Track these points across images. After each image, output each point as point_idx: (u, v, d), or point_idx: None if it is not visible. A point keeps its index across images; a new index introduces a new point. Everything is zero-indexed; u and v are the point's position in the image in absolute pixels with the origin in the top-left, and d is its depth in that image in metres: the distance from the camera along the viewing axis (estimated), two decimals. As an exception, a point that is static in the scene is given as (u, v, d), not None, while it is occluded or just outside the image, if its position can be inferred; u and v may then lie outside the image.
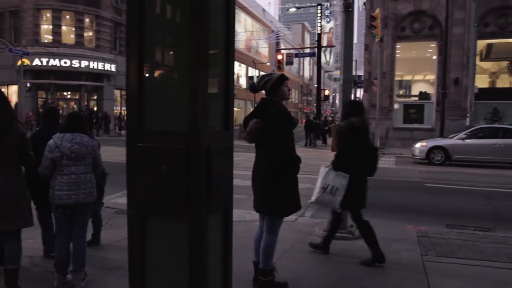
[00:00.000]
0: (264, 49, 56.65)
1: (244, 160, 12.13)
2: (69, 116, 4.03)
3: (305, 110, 70.12)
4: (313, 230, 5.86)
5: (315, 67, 43.22)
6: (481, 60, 22.93)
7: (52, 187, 3.77)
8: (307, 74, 79.54)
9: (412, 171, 13.57)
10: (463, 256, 4.88)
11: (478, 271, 4.45)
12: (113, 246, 5.05)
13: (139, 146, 2.21)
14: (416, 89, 25.19)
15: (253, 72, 49.91)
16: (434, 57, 22.80)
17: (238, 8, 46.28)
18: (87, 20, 31.77)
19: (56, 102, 31.37)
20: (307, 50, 43.32)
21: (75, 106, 32.28)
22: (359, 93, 46.31)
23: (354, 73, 27.54)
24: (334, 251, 5.00)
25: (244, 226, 5.79)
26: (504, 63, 24.18)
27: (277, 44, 50.08)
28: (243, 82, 50.73)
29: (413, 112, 23.01)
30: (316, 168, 12.21)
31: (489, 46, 22.55)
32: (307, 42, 75.74)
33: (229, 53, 2.49)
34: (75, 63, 30.09)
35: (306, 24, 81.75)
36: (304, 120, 26.46)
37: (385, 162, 16.32)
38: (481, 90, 20.64)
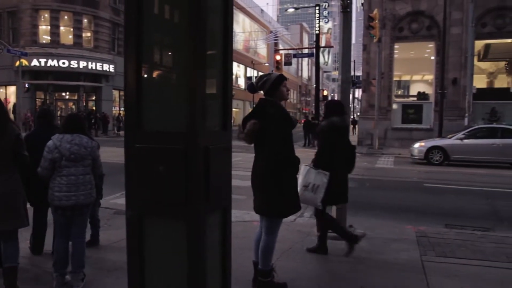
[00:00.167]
0: (262, 50, 56.67)
1: (243, 160, 12.13)
2: (68, 117, 4.03)
3: (303, 111, 70.14)
4: (312, 230, 5.85)
5: (314, 68, 43.23)
6: (479, 60, 22.97)
7: (51, 188, 3.77)
8: (305, 74, 79.60)
9: (411, 171, 13.59)
10: (462, 256, 4.89)
11: (477, 271, 4.45)
12: (112, 247, 5.04)
13: (137, 147, 2.21)
14: (414, 90, 25.21)
15: (252, 73, 49.90)
16: (432, 58, 22.83)
17: (236, 9, 46.29)
18: (85, 20, 31.73)
19: (55, 103, 31.35)
20: (306, 51, 43.31)
21: (73, 107, 32.23)
22: (358, 93, 46.39)
23: (352, 73, 27.56)
24: (333, 251, 4.99)
25: (243, 227, 5.79)
26: (502, 63, 24.23)
27: (276, 44, 50.10)
28: (241, 82, 50.74)
29: (412, 112, 23.03)
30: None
31: (487, 46, 22.60)
32: (306, 43, 75.78)
33: (227, 54, 2.49)
34: (74, 64, 30.05)
35: (304, 24, 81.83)
36: (303, 120, 26.46)
37: (384, 162, 16.33)
38: (479, 90, 20.68)
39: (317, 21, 28.05)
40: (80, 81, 30.95)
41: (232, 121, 2.67)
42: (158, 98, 2.29)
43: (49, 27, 30.67)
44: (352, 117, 40.95)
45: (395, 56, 23.12)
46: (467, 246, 5.24)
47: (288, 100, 56.83)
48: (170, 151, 2.15)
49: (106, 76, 32.14)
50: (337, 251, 5.02)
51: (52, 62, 29.57)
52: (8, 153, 3.50)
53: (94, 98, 32.98)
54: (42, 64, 29.42)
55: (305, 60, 73.18)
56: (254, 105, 3.89)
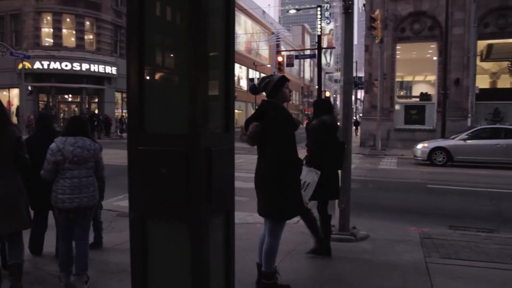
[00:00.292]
0: (264, 51, 56.68)
1: (245, 162, 12.13)
2: (71, 120, 4.05)
3: (306, 112, 70.12)
4: (315, 232, 5.82)
5: (316, 69, 43.21)
6: (482, 60, 22.91)
7: (54, 191, 3.78)
8: (307, 75, 79.56)
9: (414, 172, 13.55)
10: (466, 258, 4.85)
11: (482, 272, 4.42)
12: (115, 249, 5.03)
13: (140, 149, 2.20)
14: (417, 90, 25.16)
15: (254, 74, 49.94)
16: (435, 58, 22.78)
17: (238, 10, 46.32)
18: (88, 23, 31.82)
19: (58, 105, 31.43)
20: (308, 52, 43.34)
21: (76, 109, 32.30)
22: (360, 94, 46.33)
23: (354, 74, 27.56)
24: (336, 253, 4.98)
25: (246, 229, 5.77)
26: (505, 64, 24.14)
27: (278, 46, 50.13)
28: (243, 84, 50.76)
29: (414, 113, 22.97)
30: (318, 170, 12.15)
31: (490, 46, 22.53)
32: (307, 44, 75.76)
33: (229, 55, 2.48)
34: (76, 66, 30.12)
35: (306, 25, 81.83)
36: (306, 122, 26.49)
37: (387, 163, 16.29)
38: (482, 90, 20.60)
39: (319, 22, 28.05)
40: (83, 83, 31.02)
41: (235, 122, 2.66)
42: (160, 100, 2.29)
43: (51, 30, 30.76)
44: (354, 118, 40.91)
45: (397, 56, 23.08)
46: (472, 248, 5.21)
47: (290, 102, 56.84)
48: (172, 153, 2.14)
49: (108, 78, 32.20)
50: (341, 253, 5.00)
51: (55, 65, 29.65)
52: (9, 155, 3.52)
53: (96, 100, 33.05)
54: (45, 66, 29.50)
55: (307, 61, 73.14)
56: (257, 107, 3.88)
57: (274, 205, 3.62)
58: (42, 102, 31.17)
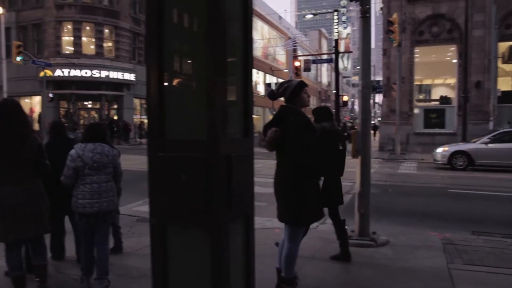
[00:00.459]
0: (281, 56, 56.65)
1: (263, 167, 12.11)
2: (90, 126, 4.14)
3: (323, 116, 69.61)
4: (335, 237, 5.76)
5: (333, 73, 43.00)
6: (503, 62, 22.42)
7: (75, 196, 3.86)
8: (325, 80, 79.21)
9: (435, 176, 13.33)
10: (491, 264, 4.74)
11: (508, 279, 4.31)
12: (136, 254, 5.07)
13: (160, 155, 2.22)
14: (436, 94, 24.78)
15: (271, 79, 49.94)
16: (454, 61, 22.44)
17: (255, 16, 46.44)
18: (107, 30, 32.35)
19: (78, 112, 31.97)
20: (325, 56, 43.18)
21: (96, 115, 32.79)
22: (378, 98, 45.90)
23: (372, 78, 27.33)
24: (356, 258, 4.92)
25: (265, 234, 5.76)
26: (528, 65, 23.61)
27: (294, 50, 50.02)
28: (261, 89, 50.81)
29: (434, 116, 22.62)
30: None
31: (511, 48, 22.07)
32: (324, 48, 75.49)
33: (247, 60, 2.49)
34: (96, 73, 30.61)
35: (323, 30, 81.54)
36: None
37: (406, 167, 16.08)
38: (504, 93, 20.19)
39: (336, 27, 27.96)
40: (102, 90, 31.49)
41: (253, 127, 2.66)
42: (179, 106, 2.31)
43: (72, 38, 31.36)
44: (373, 122, 40.53)
45: (416, 60, 22.80)
46: (496, 254, 5.09)
47: (308, 106, 56.41)
48: (192, 159, 2.15)
49: (127, 84, 32.63)
50: (361, 258, 4.95)
51: (75, 72, 30.19)
52: (30, 162, 3.62)
53: (116, 106, 33.51)
54: (66, 74, 30.07)
55: (324, 65, 72.85)
56: (274, 112, 3.88)
57: (293, 211, 3.60)
58: (62, 109, 31.76)
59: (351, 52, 54.66)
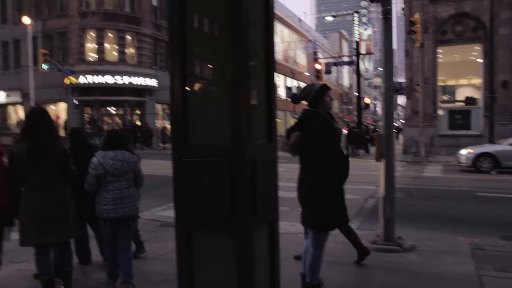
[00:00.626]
0: (302, 59, 56.50)
1: (286, 171, 12.05)
2: (110, 134, 4.25)
3: (345, 119, 69.23)
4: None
5: (354, 75, 42.58)
6: (531, 60, 21.83)
7: (98, 202, 3.96)
8: (346, 82, 78.60)
9: (461, 179, 13.02)
10: (524, 271, 4.57)
11: (540, 286, 4.17)
12: (160, 259, 5.10)
13: (184, 161, 2.22)
14: (461, 94, 24.25)
15: (292, 83, 49.85)
16: (479, 60, 21.92)
17: (275, 19, 46.23)
18: (129, 37, 32.86)
19: (101, 118, 32.54)
20: (346, 59, 42.83)
21: (119, 121, 33.32)
22: (401, 100, 45.25)
23: (394, 80, 26.86)
24: (382, 264, 4.83)
25: (288, 238, 5.71)
26: (557, 63, 22.89)
27: (315, 53, 49.77)
28: (281, 92, 50.77)
29: (459, 118, 22.12)
30: (361, 178, 11.98)
31: (539, 46, 21.47)
32: (345, 50, 74.93)
33: (269, 64, 2.48)
34: (119, 80, 31.12)
35: (344, 32, 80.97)
36: (346, 129, 26.13)
37: (431, 170, 15.77)
38: (533, 92, 19.65)
39: (357, 28, 27.73)
40: (125, 96, 31.95)
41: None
42: (203, 112, 2.31)
43: (95, 45, 31.97)
44: (395, 124, 39.95)
45: (439, 60, 22.37)
46: (529, 260, 4.92)
47: (331, 110, 55.94)
48: (216, 164, 2.15)
49: (149, 90, 33.05)
50: (386, 264, 4.86)
51: (99, 79, 30.75)
52: (58, 168, 3.71)
53: (138, 112, 33.97)
54: (89, 81, 30.65)
55: (345, 68, 72.28)
56: (295, 115, 3.86)
57: (317, 216, 3.56)
58: (87, 115, 32.38)
59: (372, 53, 54.18)
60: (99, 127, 28.86)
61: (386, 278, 4.48)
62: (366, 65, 57.91)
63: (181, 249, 2.28)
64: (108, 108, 33.49)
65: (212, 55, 2.39)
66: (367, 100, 38.55)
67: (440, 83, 23.01)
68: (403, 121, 29.98)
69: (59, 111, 32.32)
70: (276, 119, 2.69)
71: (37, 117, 3.75)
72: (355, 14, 29.76)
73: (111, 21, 31.77)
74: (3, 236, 3.96)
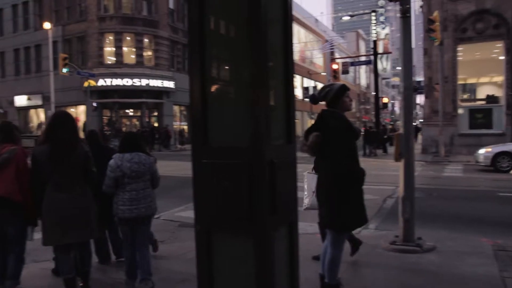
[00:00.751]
0: (318, 59, 56.29)
1: (304, 171, 12.04)
2: (126, 137, 4.34)
3: (363, 119, 68.67)
4: (378, 243, 5.64)
5: (372, 75, 42.23)
6: (555, 57, 21.29)
7: (116, 203, 4.06)
8: (363, 82, 77.99)
9: (481, 179, 12.78)
10: (550, 273, 4.46)
11: None
12: (179, 259, 5.13)
13: (204, 162, 2.24)
14: (482, 93, 23.80)
15: (309, 83, 49.72)
16: (501, 58, 21.47)
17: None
18: (146, 40, 33.24)
19: (120, 120, 32.98)
20: (363, 58, 42.53)
21: (137, 123, 33.71)
22: (419, 99, 44.66)
23: (413, 79, 26.50)
24: (401, 265, 4.78)
25: (306, 239, 5.68)
26: None
27: (332, 53, 49.56)
28: (298, 93, 50.67)
29: (480, 116, 21.69)
30: (379, 178, 11.86)
31: None
32: (362, 50, 74.36)
33: (288, 65, 2.48)
34: (136, 82, 31.50)
35: (361, 31, 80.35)
36: (364, 129, 25.91)
37: (451, 170, 15.53)
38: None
39: (374, 28, 27.51)
40: (143, 98, 32.32)
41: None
42: (222, 113, 2.32)
43: (113, 49, 32.46)
44: (414, 124, 39.38)
45: (459, 58, 22.00)
46: (555, 262, 4.80)
47: (350, 110, 55.57)
48: (236, 166, 2.15)
49: (167, 92, 33.36)
50: (406, 265, 4.80)
51: (117, 81, 31.18)
52: (79, 169, 3.79)
53: (156, 113, 34.32)
54: (108, 83, 31.11)
55: (363, 67, 71.71)
56: (312, 115, 3.86)
57: (336, 216, 3.55)
58: (105, 117, 32.86)
59: (390, 53, 53.60)
60: (118, 129, 29.28)
61: (405, 279, 4.43)
62: (383, 64, 57.35)
63: (201, 249, 2.30)
64: (126, 110, 33.92)
65: (231, 56, 2.40)
66: (385, 100, 38.14)
67: (460, 82, 22.63)
68: (422, 120, 29.57)
69: (79, 113, 32.87)
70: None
71: (59, 120, 3.84)
72: (372, 13, 29.50)
73: (129, 25, 32.20)
74: (26, 236, 4.06)
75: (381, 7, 48.23)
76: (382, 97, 36.98)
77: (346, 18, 41.39)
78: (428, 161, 18.70)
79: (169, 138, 31.27)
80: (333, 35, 69.08)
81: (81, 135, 4.46)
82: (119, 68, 31.64)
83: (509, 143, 16.02)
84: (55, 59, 29.55)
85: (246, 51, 2.20)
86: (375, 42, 27.92)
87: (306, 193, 4.61)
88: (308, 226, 6.36)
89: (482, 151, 15.08)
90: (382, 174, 13.02)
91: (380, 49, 40.69)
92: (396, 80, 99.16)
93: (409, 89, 5.84)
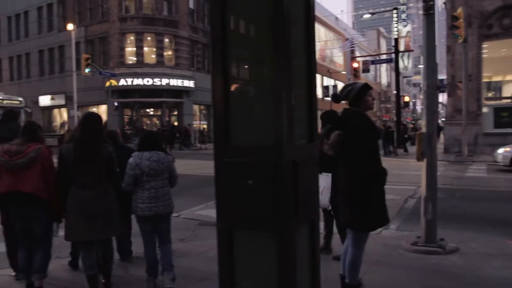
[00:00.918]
0: (338, 58, 55.85)
1: (322, 170, 11.95)
2: (145, 136, 4.42)
3: (384, 118, 67.88)
4: (399, 243, 5.57)
5: (393, 73, 41.67)
6: None
7: (135, 201, 4.11)
8: (384, 80, 77.04)
9: (507, 180, 12.48)
10: None
11: None
12: (200, 257, 5.17)
13: (226, 161, 2.25)
14: (508, 91, 23.20)
15: (328, 82, 49.39)
16: (529, 54, 20.90)
17: (311, 18, 45.86)
18: (167, 40, 33.55)
19: (140, 119, 33.39)
20: (384, 56, 42.01)
21: (157, 122, 34.07)
22: (442, 97, 43.81)
23: (435, 77, 25.90)
24: (423, 266, 4.71)
25: (326, 239, 5.66)
26: None
27: (352, 52, 49.11)
28: (318, 91, 50.37)
29: (506, 115, 21.12)
30: (400, 178, 11.70)
31: None
32: (383, 48, 73.48)
33: (310, 63, 2.47)
34: (157, 81, 31.82)
35: (382, 29, 79.41)
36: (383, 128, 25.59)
37: (475, 170, 15.21)
38: None
39: (395, 25, 27.16)
40: (163, 97, 32.65)
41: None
42: (244, 112, 2.32)
43: (134, 49, 32.87)
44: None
45: (484, 55, 21.49)
46: None
47: (373, 110, 55.00)
48: (258, 165, 2.16)
49: (186, 91, 33.61)
50: (428, 266, 4.73)
51: (138, 81, 31.56)
52: (103, 169, 3.90)
53: (176, 113, 34.62)
54: (129, 83, 31.52)
55: (384, 65, 70.86)
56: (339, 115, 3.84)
57: (358, 216, 3.52)
58: (126, 117, 33.32)
59: (412, 50, 52.76)
60: (138, 129, 29.66)
61: (427, 281, 4.36)
62: (405, 62, 56.57)
63: (223, 248, 2.31)
64: (146, 109, 34.31)
65: (254, 55, 2.40)
66: (406, 99, 37.57)
67: (485, 80, 22.13)
68: (444, 119, 29.02)
69: (100, 113, 33.23)
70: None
71: (86, 121, 3.99)
72: (394, 11, 29.08)
73: (149, 25, 32.55)
74: (52, 232, 4.16)
75: (403, 4, 47.47)
76: (404, 96, 36.47)
77: (367, 16, 40.91)
78: (450, 160, 18.36)
79: (189, 137, 31.50)
80: (354, 33, 68.45)
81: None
82: (140, 67, 32.02)
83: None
84: (78, 59, 30.11)
85: (268, 50, 2.20)
86: (396, 40, 27.52)
87: None
88: (328, 226, 6.32)
89: (501, 150, 14.72)
90: (403, 174, 12.85)
91: (401, 47, 40.16)
92: (417, 79, 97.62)
93: (432, 88, 5.76)
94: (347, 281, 3.70)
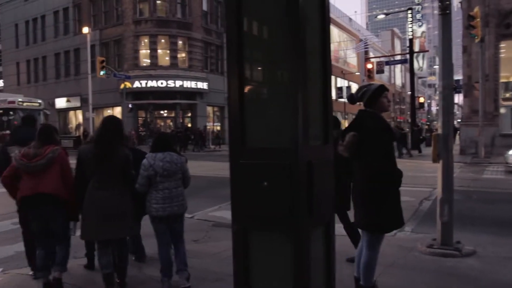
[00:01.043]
0: (352, 59, 55.58)
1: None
2: (158, 137, 4.47)
3: (398, 119, 67.30)
4: (414, 245, 5.51)
5: (407, 74, 41.26)
6: None
7: (148, 201, 4.15)
8: (398, 81, 76.40)
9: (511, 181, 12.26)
10: None
11: None
12: (214, 258, 5.18)
13: (242, 163, 2.26)
14: (526, 91, 22.76)
15: (342, 83, 49.17)
16: (548, 54, 20.47)
17: (324, 20, 45.74)
18: (180, 42, 33.77)
19: (154, 121, 33.65)
20: (398, 57, 41.63)
21: (171, 123, 34.29)
22: (458, 98, 43.28)
23: (451, 77, 25.54)
24: (439, 269, 4.65)
25: (341, 240, 5.59)
26: None
27: (366, 52, 48.78)
28: (332, 93, 50.20)
29: (524, 116, 20.75)
30: (415, 180, 11.58)
31: None
32: (398, 49, 72.87)
33: (326, 65, 2.46)
34: (171, 83, 32.04)
35: (396, 30, 78.82)
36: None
37: (492, 172, 14.97)
38: None
39: (410, 25, 26.92)
40: (177, 99, 32.86)
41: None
42: (260, 114, 2.33)
43: (148, 51, 33.15)
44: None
45: (502, 55, 21.11)
46: None
47: (388, 111, 54.63)
48: (274, 166, 2.17)
49: (200, 93, 33.79)
50: (444, 269, 4.67)
51: (152, 83, 31.84)
52: (119, 170, 4.01)
53: (189, 114, 34.81)
54: (143, 85, 31.80)
55: (398, 66, 70.28)
56: (346, 116, 3.82)
57: (372, 218, 3.50)
58: (140, 118, 33.61)
59: (426, 51, 52.19)
60: (152, 130, 29.88)
61: (443, 284, 4.31)
62: (420, 63, 55.94)
63: (238, 249, 2.32)
64: (160, 111, 34.57)
65: (269, 57, 2.40)
66: (421, 100, 37.17)
67: (502, 80, 21.72)
68: (460, 120, 28.64)
69: (115, 114, 33.74)
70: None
71: (105, 123, 4.12)
72: (409, 11, 28.81)
73: (163, 27, 32.81)
74: (70, 231, 4.24)
75: (418, 4, 46.99)
76: (418, 97, 36.09)
77: (381, 16, 40.58)
78: (467, 162, 18.11)
79: (204, 139, 31.63)
80: (367, 34, 68.05)
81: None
82: (154, 70, 32.29)
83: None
84: (93, 62, 30.50)
85: (284, 52, 2.21)
86: (411, 40, 27.25)
87: None
88: (341, 228, 6.29)
89: (511, 152, 14.48)
90: (418, 176, 12.71)
91: (416, 48, 39.76)
92: (432, 79, 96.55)
93: (448, 89, 5.69)
94: (361, 284, 3.68)
